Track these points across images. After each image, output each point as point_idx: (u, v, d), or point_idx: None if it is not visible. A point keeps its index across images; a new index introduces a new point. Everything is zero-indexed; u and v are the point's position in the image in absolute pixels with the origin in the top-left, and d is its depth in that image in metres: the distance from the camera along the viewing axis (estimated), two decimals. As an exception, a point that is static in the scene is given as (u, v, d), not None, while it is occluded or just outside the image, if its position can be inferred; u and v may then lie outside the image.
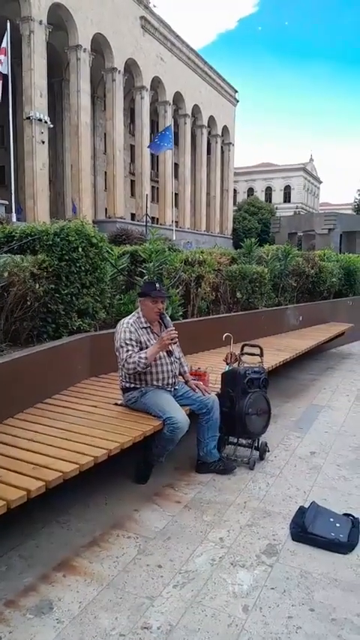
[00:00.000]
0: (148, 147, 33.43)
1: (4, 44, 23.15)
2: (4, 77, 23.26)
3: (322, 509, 2.99)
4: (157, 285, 3.57)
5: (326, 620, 2.14)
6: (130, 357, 3.29)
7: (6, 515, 2.14)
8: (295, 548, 2.67)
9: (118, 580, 2.36)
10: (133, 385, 3.47)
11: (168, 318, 3.65)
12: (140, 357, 3.28)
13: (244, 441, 3.88)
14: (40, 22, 27.00)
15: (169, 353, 3.49)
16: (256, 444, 3.85)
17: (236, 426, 3.75)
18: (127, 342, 3.36)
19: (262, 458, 3.84)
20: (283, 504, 3.16)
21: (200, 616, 2.14)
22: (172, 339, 3.34)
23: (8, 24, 23.75)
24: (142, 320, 3.52)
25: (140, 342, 3.42)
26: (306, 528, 2.77)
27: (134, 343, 3.38)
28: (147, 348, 3.39)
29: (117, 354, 3.45)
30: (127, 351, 3.33)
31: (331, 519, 2.88)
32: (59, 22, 28.87)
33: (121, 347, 3.36)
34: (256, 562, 2.54)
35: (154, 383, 3.46)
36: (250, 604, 2.22)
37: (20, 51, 26.95)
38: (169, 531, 2.81)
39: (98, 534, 2.75)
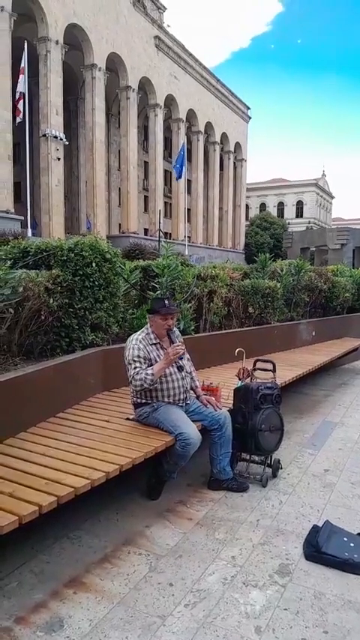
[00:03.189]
0: (177, 178, 34.98)
1: (22, 64, 23.76)
2: (23, 96, 23.84)
3: (336, 529, 2.95)
4: (167, 301, 3.53)
5: (341, 643, 2.09)
6: (137, 374, 3.28)
7: (18, 530, 2.14)
8: (309, 568, 2.63)
9: (129, 598, 2.34)
10: (144, 400, 3.46)
11: (178, 332, 3.65)
12: (147, 374, 3.26)
13: (256, 458, 3.84)
14: (57, 42, 27.61)
15: (180, 368, 3.48)
16: (269, 461, 3.81)
17: (249, 442, 3.72)
18: (135, 359, 3.35)
19: (274, 475, 3.80)
20: (296, 523, 3.12)
21: (212, 636, 2.10)
22: (177, 354, 3.32)
23: (26, 44, 24.37)
24: (152, 336, 3.50)
25: (149, 359, 3.40)
26: (320, 548, 2.72)
27: (142, 360, 3.36)
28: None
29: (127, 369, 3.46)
30: (135, 368, 3.32)
31: (345, 539, 2.83)
32: (75, 41, 29.51)
33: (129, 364, 3.36)
34: (269, 582, 2.50)
35: (166, 399, 3.44)
36: (263, 625, 2.18)
37: (37, 70, 27.57)
38: (180, 549, 2.78)
39: (109, 551, 2.73)
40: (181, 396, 3.49)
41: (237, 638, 2.09)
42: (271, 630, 2.15)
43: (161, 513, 3.19)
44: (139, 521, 3.08)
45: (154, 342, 3.49)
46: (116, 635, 2.09)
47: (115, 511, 3.17)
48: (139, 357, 3.36)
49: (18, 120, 24.09)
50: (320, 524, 2.99)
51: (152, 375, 3.27)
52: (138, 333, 3.55)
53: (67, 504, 2.38)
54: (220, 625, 2.17)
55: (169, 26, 38.38)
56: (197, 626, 2.16)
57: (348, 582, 2.51)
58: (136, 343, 3.41)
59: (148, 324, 3.59)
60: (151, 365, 3.36)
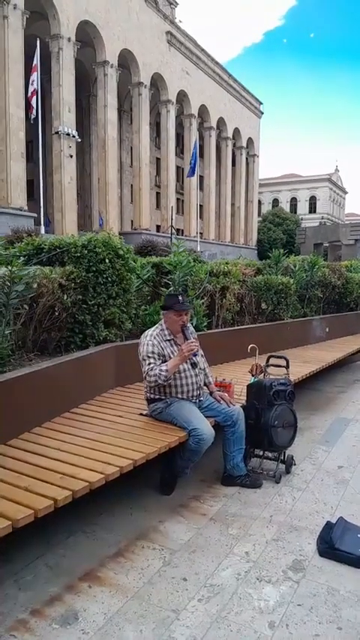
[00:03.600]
0: (189, 176, 35.49)
1: (35, 61, 23.87)
2: (35, 93, 23.95)
3: (350, 525, 2.93)
4: (180, 297, 3.53)
5: (354, 639, 2.08)
6: (151, 370, 3.29)
7: (32, 523, 2.16)
8: (322, 565, 2.62)
9: (143, 592, 2.35)
10: (157, 396, 3.48)
11: (192, 328, 3.64)
12: (161, 370, 3.27)
13: (269, 454, 3.84)
14: (69, 40, 27.68)
15: (194, 365, 3.47)
16: (282, 457, 3.81)
17: (262, 438, 3.71)
18: (150, 354, 3.36)
19: (288, 471, 3.79)
20: (309, 519, 3.11)
21: (225, 631, 2.11)
22: (191, 351, 3.32)
23: (38, 42, 24.45)
24: (166, 332, 3.51)
25: (164, 355, 3.41)
26: (333, 544, 2.71)
27: (156, 356, 3.37)
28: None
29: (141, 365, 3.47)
30: (149, 364, 3.33)
31: (359, 535, 2.82)
32: (87, 38, 29.55)
33: (144, 360, 3.38)
34: (283, 577, 2.50)
35: (179, 395, 3.45)
36: (277, 620, 2.18)
37: (49, 68, 27.67)
38: (194, 544, 2.79)
39: (123, 545, 2.75)
40: (195, 393, 3.50)
41: (250, 633, 2.10)
42: (284, 626, 2.15)
43: (175, 508, 3.20)
44: (153, 516, 3.09)
45: (169, 338, 3.50)
46: (130, 628, 2.11)
47: (129, 506, 3.19)
48: (153, 352, 3.37)
49: (32, 117, 24.18)
50: (334, 521, 2.98)
51: (166, 371, 3.28)
52: (152, 329, 3.56)
53: (81, 499, 2.41)
54: (233, 620, 2.18)
55: (180, 22, 38.27)
56: (211, 620, 2.17)
57: (362, 579, 2.50)
58: (151, 339, 3.42)
59: (162, 321, 3.59)
60: (166, 361, 3.37)
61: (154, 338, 3.44)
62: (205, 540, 2.83)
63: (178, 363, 3.34)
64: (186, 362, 3.40)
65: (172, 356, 3.41)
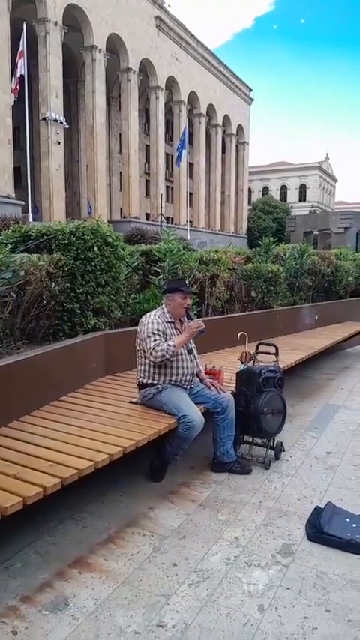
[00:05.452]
0: (177, 164, 35.23)
1: (21, 46, 23.43)
2: (22, 78, 23.57)
3: (339, 510, 2.96)
4: (186, 281, 3.66)
5: (342, 621, 2.11)
6: (157, 346, 3.32)
7: (22, 511, 2.15)
8: (311, 549, 2.65)
9: (133, 578, 2.36)
10: (150, 381, 3.47)
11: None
12: (168, 345, 3.32)
13: (259, 441, 3.86)
14: (56, 24, 27.18)
15: (190, 351, 3.53)
16: (272, 444, 3.83)
17: (251, 425, 3.73)
18: (155, 332, 3.40)
19: (277, 457, 3.81)
20: (298, 504, 3.14)
21: (215, 615, 2.13)
22: (199, 327, 3.38)
23: (24, 25, 23.98)
24: (167, 315, 3.56)
25: (166, 335, 3.45)
26: (322, 528, 2.74)
27: (161, 334, 3.41)
28: None
29: (138, 347, 3.49)
30: (155, 340, 3.36)
31: (348, 520, 2.85)
32: (75, 23, 29.03)
33: (148, 337, 3.39)
34: (272, 562, 2.52)
35: (173, 378, 3.46)
36: (266, 604, 2.20)
37: (36, 52, 27.16)
38: (184, 530, 2.80)
39: (113, 532, 2.76)
40: (188, 378, 3.51)
41: (240, 617, 2.12)
42: (274, 609, 2.17)
43: (165, 495, 3.21)
44: (143, 502, 3.10)
45: (169, 320, 3.55)
46: (121, 613, 2.12)
47: (118, 493, 3.20)
48: (158, 330, 3.41)
49: (13, 99, 23.73)
50: (323, 506, 3.01)
51: (174, 346, 3.32)
52: (153, 311, 3.61)
53: (71, 486, 2.40)
54: (223, 604, 2.20)
55: (169, 6, 37.69)
56: (201, 604, 2.19)
57: (350, 562, 2.54)
58: (154, 318, 3.48)
59: (164, 304, 3.64)
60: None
61: (158, 317, 3.49)
62: (194, 526, 2.84)
63: (185, 339, 3.40)
64: (183, 346, 3.45)
65: (172, 338, 3.45)
